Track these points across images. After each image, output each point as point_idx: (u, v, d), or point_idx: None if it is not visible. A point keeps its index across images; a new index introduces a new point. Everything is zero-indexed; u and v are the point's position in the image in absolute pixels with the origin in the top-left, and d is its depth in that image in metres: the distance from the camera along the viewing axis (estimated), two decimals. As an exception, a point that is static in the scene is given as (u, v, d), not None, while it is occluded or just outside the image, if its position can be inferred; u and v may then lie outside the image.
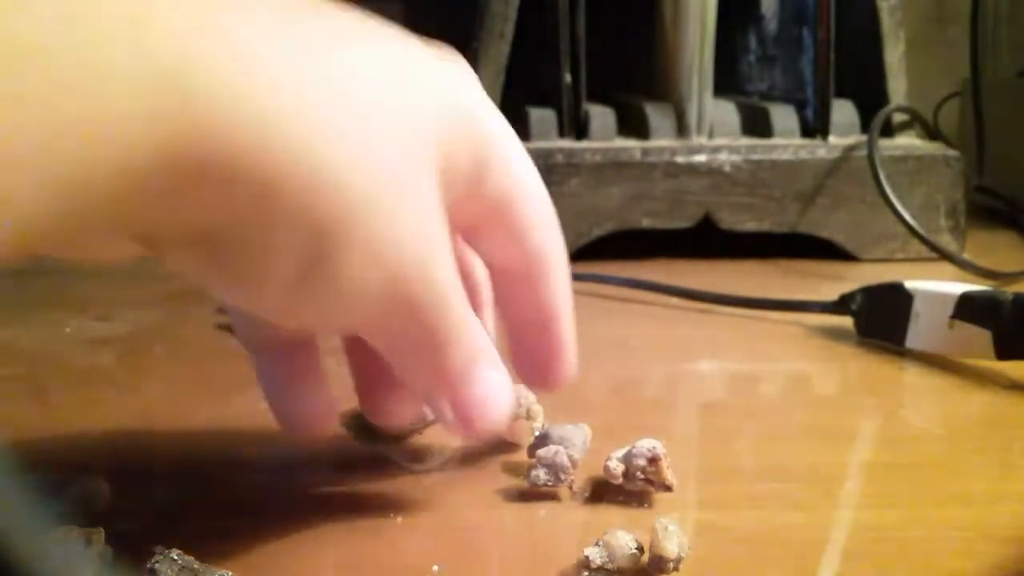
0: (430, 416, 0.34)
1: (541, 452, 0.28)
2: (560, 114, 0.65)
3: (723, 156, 0.64)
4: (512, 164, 0.24)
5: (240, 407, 0.36)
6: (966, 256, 0.62)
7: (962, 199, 0.65)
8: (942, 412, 0.39)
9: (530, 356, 0.28)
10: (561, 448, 0.28)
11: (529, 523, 0.28)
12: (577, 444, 0.29)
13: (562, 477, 0.28)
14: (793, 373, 0.43)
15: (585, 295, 0.56)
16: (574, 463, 0.28)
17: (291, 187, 0.17)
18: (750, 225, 0.64)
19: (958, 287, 0.42)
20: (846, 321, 0.47)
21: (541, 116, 0.65)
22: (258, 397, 0.28)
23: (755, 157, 0.64)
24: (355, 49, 0.19)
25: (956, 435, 0.35)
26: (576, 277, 0.58)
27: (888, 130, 0.67)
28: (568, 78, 0.65)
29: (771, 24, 0.72)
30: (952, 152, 0.65)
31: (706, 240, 0.64)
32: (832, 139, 0.65)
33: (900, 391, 0.41)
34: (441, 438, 0.34)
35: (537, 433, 0.31)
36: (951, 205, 0.65)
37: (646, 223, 0.63)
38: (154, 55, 0.14)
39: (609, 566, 0.24)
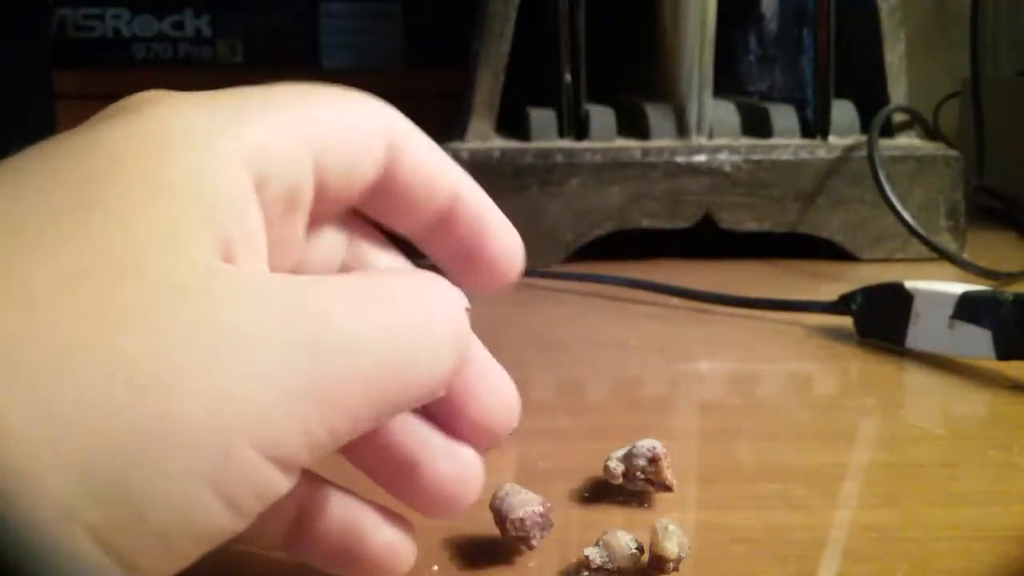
0: None
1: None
2: (560, 114, 0.65)
3: (723, 156, 0.64)
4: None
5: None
6: (966, 256, 0.62)
7: (962, 199, 0.65)
8: (942, 412, 0.39)
9: (475, 259, 0.22)
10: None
11: (529, 523, 0.28)
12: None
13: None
14: (793, 373, 0.43)
15: (585, 295, 0.57)
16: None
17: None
18: (750, 225, 0.64)
19: (958, 287, 0.42)
20: (846, 321, 0.47)
21: (541, 116, 0.65)
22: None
23: (755, 157, 0.64)
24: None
25: (956, 435, 0.35)
26: (576, 277, 0.59)
27: (888, 130, 0.67)
28: (568, 78, 0.65)
29: (771, 24, 0.72)
30: (952, 152, 0.65)
31: (706, 240, 0.64)
32: (832, 139, 0.65)
33: (900, 391, 0.41)
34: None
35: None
36: (951, 205, 0.65)
37: (646, 223, 0.63)
38: None
39: (609, 566, 0.24)
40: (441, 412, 0.21)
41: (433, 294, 0.19)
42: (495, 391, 0.22)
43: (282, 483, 0.15)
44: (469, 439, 0.22)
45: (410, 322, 0.17)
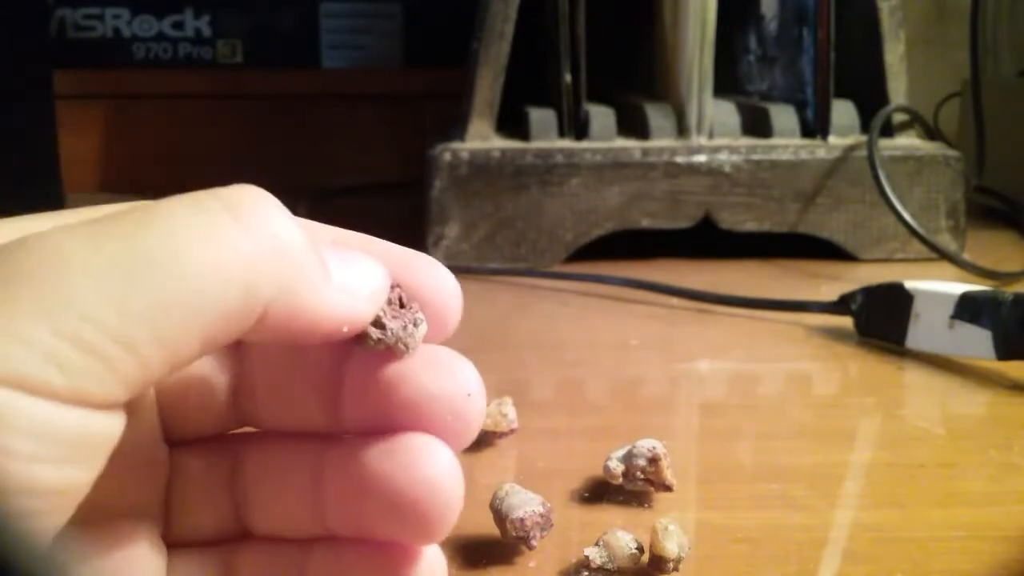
0: None
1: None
2: (560, 114, 0.65)
3: (723, 156, 0.64)
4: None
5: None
6: (966, 256, 0.62)
7: (962, 199, 0.65)
8: (942, 412, 0.39)
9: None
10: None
11: (529, 523, 0.28)
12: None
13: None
14: (793, 373, 0.43)
15: (585, 295, 0.57)
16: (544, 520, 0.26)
17: None
18: (750, 225, 0.64)
19: (958, 287, 0.42)
20: (846, 321, 0.47)
21: (541, 116, 0.65)
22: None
23: (755, 157, 0.64)
24: None
25: (956, 435, 0.35)
26: (576, 277, 0.59)
27: (888, 130, 0.67)
28: (568, 78, 0.65)
29: (771, 24, 0.72)
30: (952, 152, 0.65)
31: (706, 240, 0.64)
32: (832, 139, 0.65)
33: (900, 391, 0.41)
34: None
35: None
36: (951, 205, 0.65)
37: (646, 223, 0.63)
38: None
39: (609, 566, 0.24)
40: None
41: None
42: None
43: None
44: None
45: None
